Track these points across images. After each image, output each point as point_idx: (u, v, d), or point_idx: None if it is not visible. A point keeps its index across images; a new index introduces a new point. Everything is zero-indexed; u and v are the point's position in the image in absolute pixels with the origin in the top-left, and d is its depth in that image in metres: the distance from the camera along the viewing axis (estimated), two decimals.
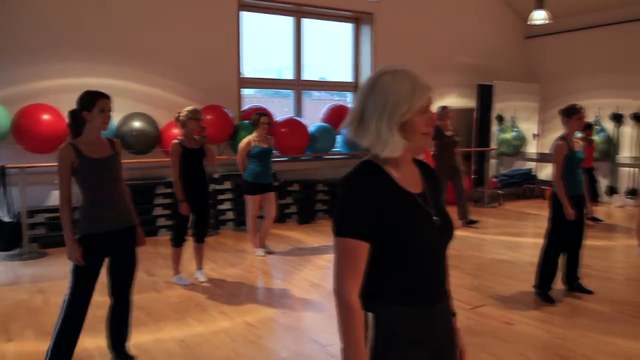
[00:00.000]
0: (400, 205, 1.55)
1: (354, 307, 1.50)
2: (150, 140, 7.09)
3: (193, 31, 7.66)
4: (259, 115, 6.13)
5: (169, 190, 6.99)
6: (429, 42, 9.73)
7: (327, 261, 6.13)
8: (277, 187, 7.05)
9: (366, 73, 9.35)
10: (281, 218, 7.87)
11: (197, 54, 7.71)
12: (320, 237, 7.27)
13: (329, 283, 5.44)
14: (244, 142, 6.14)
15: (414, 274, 1.56)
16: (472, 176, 10.20)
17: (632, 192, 9.55)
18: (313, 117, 9.09)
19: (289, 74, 9.13)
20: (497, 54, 10.68)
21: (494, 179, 10.50)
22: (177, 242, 5.17)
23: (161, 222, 7.22)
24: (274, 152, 6.50)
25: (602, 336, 3.94)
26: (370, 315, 1.54)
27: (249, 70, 8.75)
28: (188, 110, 5.03)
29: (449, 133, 7.82)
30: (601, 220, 8.26)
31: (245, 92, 8.84)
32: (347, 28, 9.53)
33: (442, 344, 1.64)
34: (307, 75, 9.23)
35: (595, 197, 8.52)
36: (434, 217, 1.60)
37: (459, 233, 7.50)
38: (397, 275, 1.55)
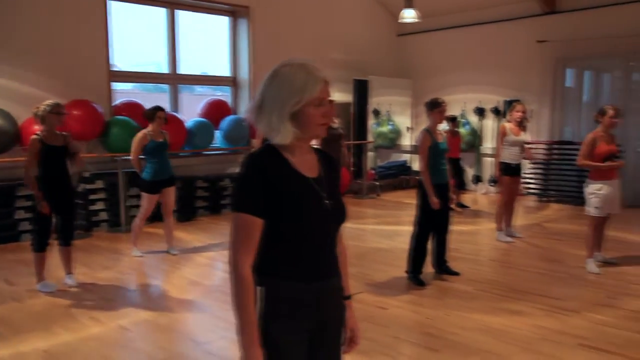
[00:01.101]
0: (293, 186, 1.67)
1: (246, 278, 1.62)
2: (8, 137, 6.52)
3: (56, 19, 7.14)
4: (156, 110, 5.90)
5: (31, 192, 6.47)
6: (306, 37, 9.85)
7: (208, 259, 6.02)
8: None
9: (244, 67, 9.28)
10: (159, 216, 7.57)
11: (61, 45, 7.20)
12: (200, 234, 7.11)
13: (209, 280, 5.35)
14: (138, 135, 5.88)
15: (301, 251, 1.69)
16: (351, 169, 10.50)
17: (494, 181, 10.33)
18: (194, 112, 8.85)
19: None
20: (372, 50, 11.06)
21: (372, 171, 10.89)
22: (39, 246, 4.79)
23: (24, 226, 6.67)
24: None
25: (465, 313, 4.22)
26: (260, 288, 1.66)
27: (126, 63, 8.34)
28: (48, 105, 4.68)
29: (334, 126, 8.01)
30: (468, 207, 8.87)
31: (121, 86, 8.42)
32: (224, 21, 9.38)
33: (327, 318, 1.78)
34: (188, 69, 8.97)
35: (462, 186, 9.12)
36: (326, 201, 1.72)
37: None
38: (285, 251, 1.68)
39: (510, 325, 3.98)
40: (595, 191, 5.19)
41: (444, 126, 8.58)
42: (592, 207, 5.24)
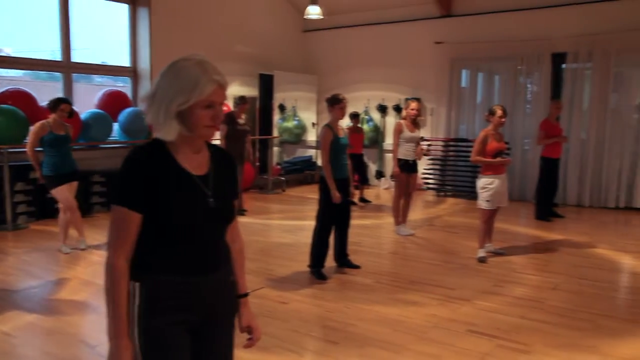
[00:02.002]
0: (173, 183, 1.65)
1: (118, 270, 1.62)
2: None
3: None
4: (59, 101, 5.61)
5: None
6: (211, 28, 9.65)
7: (102, 257, 5.73)
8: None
9: (145, 58, 8.93)
10: (52, 213, 7.13)
11: None
12: (95, 231, 6.76)
13: (101, 279, 5.09)
14: (36, 126, 5.53)
15: (181, 246, 1.68)
16: (257, 164, 10.44)
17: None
18: (92, 103, 8.41)
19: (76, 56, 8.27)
20: (277, 45, 11.04)
21: (278, 166, 10.90)
22: None
23: None
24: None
25: (364, 305, 4.32)
26: (137, 284, 1.65)
27: (19, 49, 7.76)
28: None
29: (241, 121, 7.93)
30: (370, 202, 9.10)
31: (6, 72, 7.82)
32: (123, 9, 8.97)
33: (213, 312, 1.77)
34: (86, 58, 8.49)
35: (365, 181, 9.34)
36: (210, 199, 1.70)
37: (241, 220, 7.63)
38: (165, 247, 1.67)
39: (405, 315, 4.12)
40: (486, 185, 5.50)
41: (348, 122, 8.79)
42: (483, 200, 5.55)
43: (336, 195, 4.86)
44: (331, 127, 4.96)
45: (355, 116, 8.78)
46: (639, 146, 8.36)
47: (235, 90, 9.58)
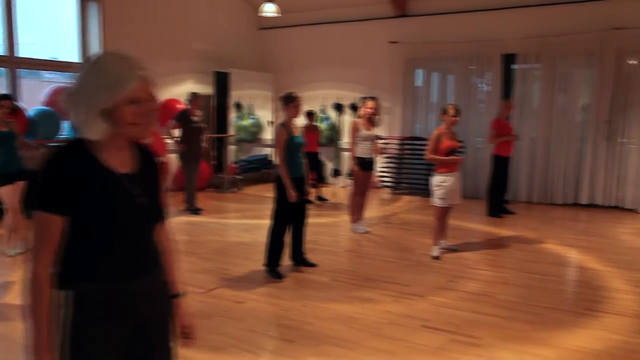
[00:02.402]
0: (98, 183, 1.58)
1: (40, 280, 1.54)
2: None
3: None
4: (0, 98, 5.41)
5: None
6: (164, 24, 9.48)
7: None
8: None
9: None
10: None
11: None
12: None
13: None
14: None
15: (109, 249, 1.61)
16: (212, 162, 10.33)
17: (351, 174, 10.74)
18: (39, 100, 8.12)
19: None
20: (233, 43, 10.93)
21: (234, 165, 10.80)
22: None
23: None
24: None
25: (320, 303, 4.33)
26: (64, 292, 1.57)
27: None
28: None
29: (196, 119, 7.83)
30: (327, 200, 9.13)
31: None
32: (72, 3, 8.70)
33: (147, 315, 1.71)
34: (34, 53, 8.17)
35: (321, 179, 9.37)
36: (138, 198, 1.64)
37: (196, 219, 7.54)
38: (90, 251, 1.60)
39: (361, 312, 4.15)
40: (440, 183, 5.59)
41: (305, 121, 8.80)
42: (437, 198, 5.64)
43: (292, 194, 4.85)
44: (286, 126, 4.95)
45: (310, 114, 8.79)
46: (584, 145, 8.66)
47: (190, 88, 9.45)
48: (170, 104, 9.20)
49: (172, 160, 9.12)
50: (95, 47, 8.66)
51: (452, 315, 4.10)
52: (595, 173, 8.58)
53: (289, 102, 4.94)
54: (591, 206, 8.62)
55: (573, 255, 5.96)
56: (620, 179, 8.49)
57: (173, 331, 1.86)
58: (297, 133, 5.03)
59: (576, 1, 8.47)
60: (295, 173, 4.95)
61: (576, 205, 8.74)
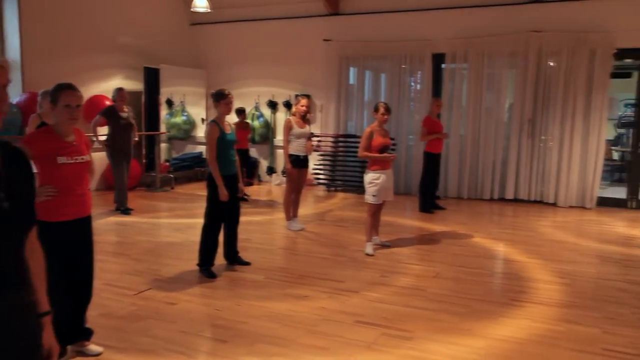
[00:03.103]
0: None
1: None
2: None
3: None
4: None
5: None
6: (90, 18, 9.13)
7: None
8: None
9: (14, 48, 8.22)
10: None
11: None
12: None
13: None
14: None
15: None
16: (143, 161, 10.04)
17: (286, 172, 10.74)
18: None
19: None
20: (164, 38, 10.66)
21: (166, 163, 10.55)
22: None
23: None
24: None
25: (254, 302, 4.30)
26: None
27: None
28: None
29: (124, 114, 7.57)
30: (249, 196, 8.85)
31: None
32: None
33: (7, 338, 1.49)
34: None
35: (250, 176, 9.25)
36: (2, 202, 1.46)
37: (126, 219, 7.31)
38: None
39: (295, 309, 4.15)
40: (373, 180, 5.66)
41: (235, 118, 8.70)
42: (370, 195, 5.71)
43: (224, 193, 4.78)
44: (217, 123, 4.87)
45: (241, 112, 8.66)
46: (510, 142, 9.03)
47: (118, 83, 9.12)
48: (96, 100, 8.87)
49: (101, 158, 8.81)
50: (14, 41, 8.21)
51: (385, 310, 4.17)
52: (519, 169, 8.96)
53: (220, 99, 4.87)
54: (516, 201, 9.00)
55: (500, 248, 6.20)
56: (542, 175, 8.91)
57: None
58: (229, 130, 4.96)
59: (500, 4, 8.81)
60: (228, 171, 4.88)
61: (502, 200, 9.10)
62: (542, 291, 4.69)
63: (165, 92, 10.31)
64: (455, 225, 7.22)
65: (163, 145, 10.58)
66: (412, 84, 9.88)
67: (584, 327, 3.91)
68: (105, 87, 9.22)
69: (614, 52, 8.20)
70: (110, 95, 8.26)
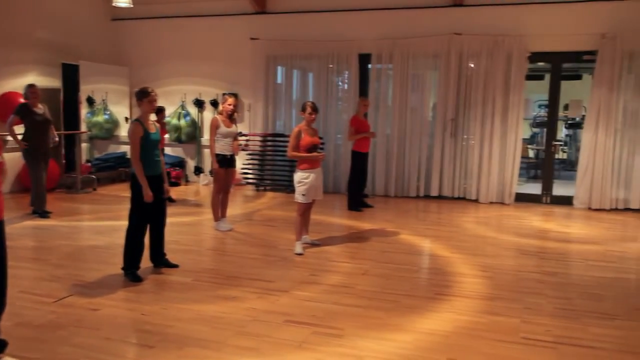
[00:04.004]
0: None
1: None
2: None
3: None
4: None
5: None
6: (6, 12, 8.61)
7: None
8: None
9: None
10: None
11: None
12: None
13: None
14: None
15: None
16: (63, 161, 9.58)
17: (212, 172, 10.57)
18: None
19: None
20: (83, 33, 10.22)
21: (87, 164, 10.13)
22: None
23: None
24: None
25: (183, 305, 4.20)
26: None
27: None
28: None
29: (39, 111, 7.20)
30: (174, 200, 8.69)
31: None
32: None
33: None
34: None
35: (168, 177, 9.00)
36: None
37: (44, 223, 6.96)
38: None
39: (224, 311, 4.09)
40: (302, 180, 5.68)
41: (167, 118, 8.47)
42: (299, 194, 5.73)
43: (148, 193, 4.64)
44: (141, 122, 4.72)
45: (160, 111, 8.41)
46: (434, 141, 9.31)
47: (33, 80, 8.67)
48: (9, 97, 8.39)
49: (14, 158, 8.35)
50: None
51: (315, 309, 4.19)
52: (443, 167, 9.26)
53: (143, 97, 4.72)
54: (440, 198, 9.30)
55: (425, 245, 6.39)
56: (465, 173, 9.25)
57: None
58: (154, 130, 4.82)
59: (423, 7, 9.07)
60: (152, 171, 4.75)
61: (428, 197, 9.37)
62: (465, 284, 4.87)
63: (85, 90, 9.89)
64: (382, 223, 7.36)
65: (84, 145, 10.15)
66: (340, 83, 9.99)
67: (504, 317, 4.09)
68: (19, 83, 8.71)
69: (528, 56, 8.64)
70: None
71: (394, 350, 3.50)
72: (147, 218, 4.86)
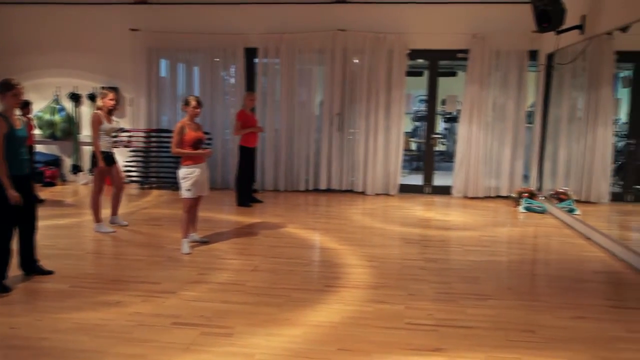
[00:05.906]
0: None
1: None
2: None
3: None
4: None
5: None
6: None
7: None
8: None
9: None
10: None
11: None
12: None
13: None
14: None
15: None
16: None
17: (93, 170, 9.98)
18: None
19: None
20: None
21: None
22: None
23: None
24: None
25: (58, 314, 3.92)
26: None
27: None
28: None
29: None
30: (44, 200, 8.13)
31: None
32: None
33: None
34: None
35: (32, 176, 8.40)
36: None
37: None
38: None
39: (106, 318, 3.87)
40: (186, 175, 5.51)
41: (37, 112, 7.84)
42: (184, 190, 5.55)
43: (13, 195, 4.26)
44: (6, 118, 4.32)
45: (25, 105, 7.77)
46: (321, 135, 9.44)
47: None
48: None
49: None
50: None
51: (203, 308, 4.08)
52: (331, 161, 9.42)
53: (7, 90, 4.32)
54: (329, 191, 9.46)
55: (315, 237, 6.46)
56: (352, 166, 9.48)
57: None
58: (20, 125, 4.43)
59: (309, 2, 9.14)
60: (18, 170, 4.37)
61: (317, 190, 9.50)
62: (353, 275, 4.98)
63: None
64: (272, 218, 7.35)
65: None
66: (226, 77, 9.82)
67: (390, 305, 4.24)
68: None
69: (408, 52, 9.02)
70: None
71: (284, 345, 3.50)
72: (14, 221, 4.45)
